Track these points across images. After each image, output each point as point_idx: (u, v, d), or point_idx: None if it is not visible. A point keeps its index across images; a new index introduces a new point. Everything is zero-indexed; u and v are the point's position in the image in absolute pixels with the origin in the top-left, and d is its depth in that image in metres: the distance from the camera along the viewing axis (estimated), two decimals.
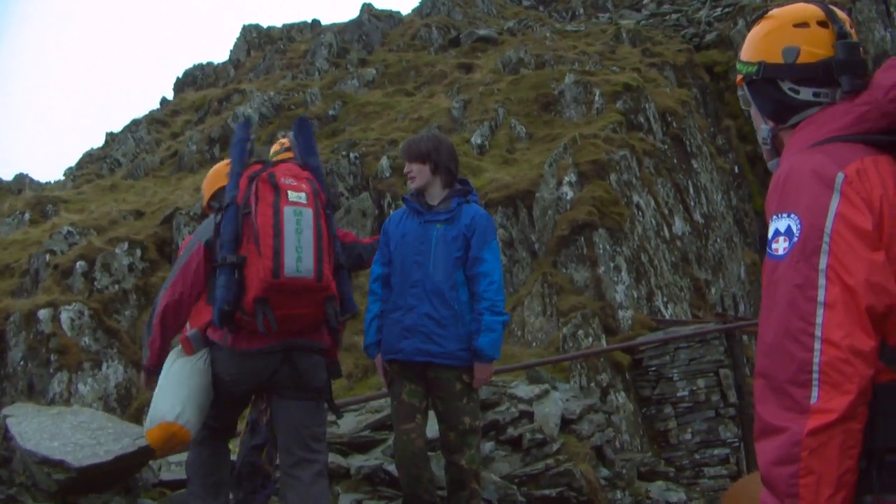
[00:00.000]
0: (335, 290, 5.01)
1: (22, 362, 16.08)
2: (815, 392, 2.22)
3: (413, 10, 42.58)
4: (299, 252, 4.68)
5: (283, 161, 5.24)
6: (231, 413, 5.35)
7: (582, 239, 16.89)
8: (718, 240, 23.67)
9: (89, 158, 35.18)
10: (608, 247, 16.86)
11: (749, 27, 2.94)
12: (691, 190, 23.54)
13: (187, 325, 5.25)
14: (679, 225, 21.72)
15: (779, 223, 2.42)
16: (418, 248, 5.93)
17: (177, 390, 4.82)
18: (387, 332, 5.93)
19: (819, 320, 2.25)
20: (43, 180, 35.30)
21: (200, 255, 5.01)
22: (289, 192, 4.81)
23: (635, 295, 16.76)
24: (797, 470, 2.21)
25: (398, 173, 19.22)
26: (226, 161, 5.82)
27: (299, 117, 5.88)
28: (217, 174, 6.03)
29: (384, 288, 6.04)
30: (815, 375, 2.22)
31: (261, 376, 5.00)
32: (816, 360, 2.22)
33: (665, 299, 17.84)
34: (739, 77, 2.91)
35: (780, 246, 2.39)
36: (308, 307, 4.89)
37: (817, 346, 2.23)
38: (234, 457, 5.91)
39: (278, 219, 4.70)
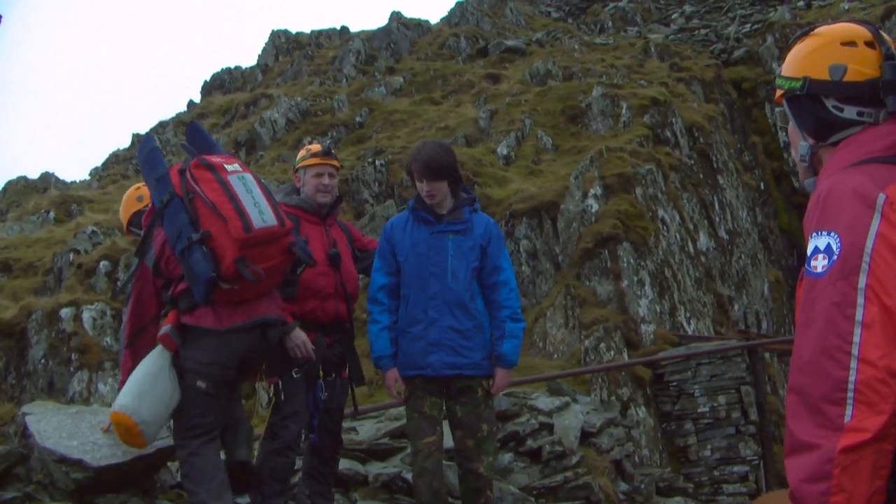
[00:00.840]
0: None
1: (43, 360, 16.13)
2: (849, 410, 2.19)
3: (442, 19, 42.66)
4: (258, 206, 5.08)
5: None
6: (217, 405, 5.38)
7: (606, 252, 16.88)
8: (743, 256, 23.59)
9: (115, 159, 35.33)
10: (632, 260, 16.84)
11: (791, 44, 2.90)
12: (717, 206, 23.49)
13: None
14: (704, 240, 21.67)
15: (818, 241, 2.40)
16: (434, 260, 5.88)
17: (139, 391, 5.08)
18: (407, 347, 5.85)
19: (856, 339, 2.22)
20: (69, 179, 35.49)
21: (147, 279, 5.36)
22: (224, 165, 5.22)
23: (658, 309, 16.72)
24: (828, 487, 2.18)
25: None
26: (135, 186, 6.41)
27: (190, 123, 6.27)
28: (129, 200, 6.47)
29: (390, 298, 5.96)
30: (850, 394, 2.19)
31: (242, 355, 5.31)
32: (852, 378, 2.20)
33: (688, 315, 17.79)
34: (780, 93, 2.87)
35: (819, 263, 2.37)
36: (277, 256, 5.24)
37: (854, 364, 2.21)
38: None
39: (227, 187, 5.08)
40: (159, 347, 5.25)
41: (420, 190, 5.97)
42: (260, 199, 5.14)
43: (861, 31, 2.70)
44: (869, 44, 2.67)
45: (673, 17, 45.55)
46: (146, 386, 5.08)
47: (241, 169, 5.28)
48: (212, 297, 5.01)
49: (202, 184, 5.10)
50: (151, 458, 5.70)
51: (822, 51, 2.73)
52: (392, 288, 5.96)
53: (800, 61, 2.79)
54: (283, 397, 5.91)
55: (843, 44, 2.69)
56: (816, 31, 2.82)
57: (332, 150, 6.64)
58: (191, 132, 5.83)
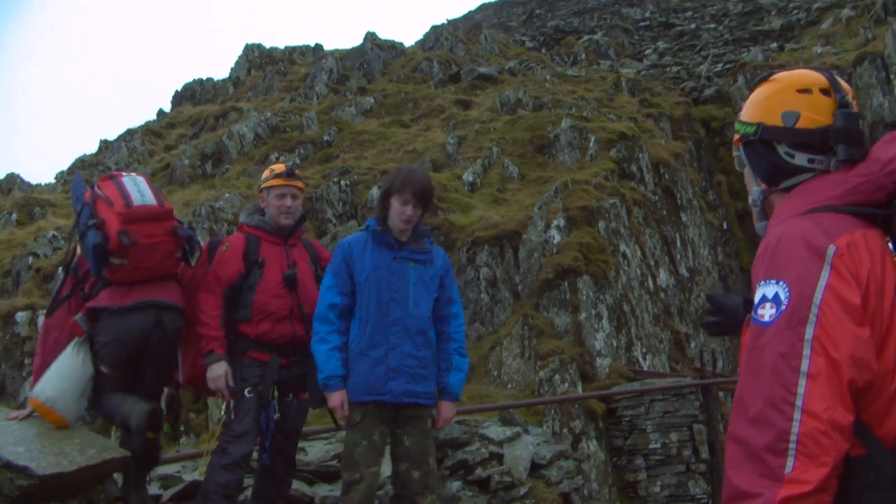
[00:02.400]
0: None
1: None
2: (790, 462, 2.19)
3: (416, 43, 42.87)
4: (140, 190, 5.88)
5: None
6: (124, 387, 5.99)
7: (566, 284, 16.90)
8: (702, 294, 23.70)
9: (81, 164, 35.06)
10: (591, 293, 16.87)
11: (752, 89, 2.92)
12: (678, 243, 23.62)
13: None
14: (664, 277, 21.77)
15: (766, 289, 2.40)
16: (395, 285, 5.80)
17: (57, 380, 5.75)
18: (366, 371, 5.71)
19: (801, 390, 2.22)
20: (34, 182, 35.22)
21: (68, 287, 6.16)
22: (122, 174, 6.08)
23: (615, 344, 16.75)
24: None
25: None
26: None
27: (77, 175, 6.98)
28: None
29: (340, 319, 5.84)
30: (793, 445, 2.20)
31: (136, 334, 5.89)
32: (795, 430, 2.20)
33: (644, 350, 17.84)
34: (737, 137, 2.90)
35: (766, 312, 2.37)
36: (160, 235, 5.88)
37: (797, 416, 2.21)
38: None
39: (119, 182, 5.92)
40: (75, 339, 5.91)
41: (399, 213, 5.85)
42: (144, 188, 5.92)
43: (817, 79, 2.72)
44: (824, 91, 2.68)
45: (646, 52, 45.97)
46: (57, 370, 5.78)
47: (135, 174, 6.14)
48: (103, 267, 5.74)
49: (104, 189, 5.90)
50: (97, 468, 5.63)
51: (778, 97, 2.75)
52: (344, 308, 5.83)
53: (756, 106, 2.82)
54: (233, 416, 6.05)
55: (799, 90, 2.72)
56: (774, 76, 2.85)
57: (297, 171, 6.66)
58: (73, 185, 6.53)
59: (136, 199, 5.77)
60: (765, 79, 2.87)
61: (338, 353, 5.75)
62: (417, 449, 5.76)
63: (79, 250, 6.09)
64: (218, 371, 6.05)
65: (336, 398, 5.72)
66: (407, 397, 5.69)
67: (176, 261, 6.08)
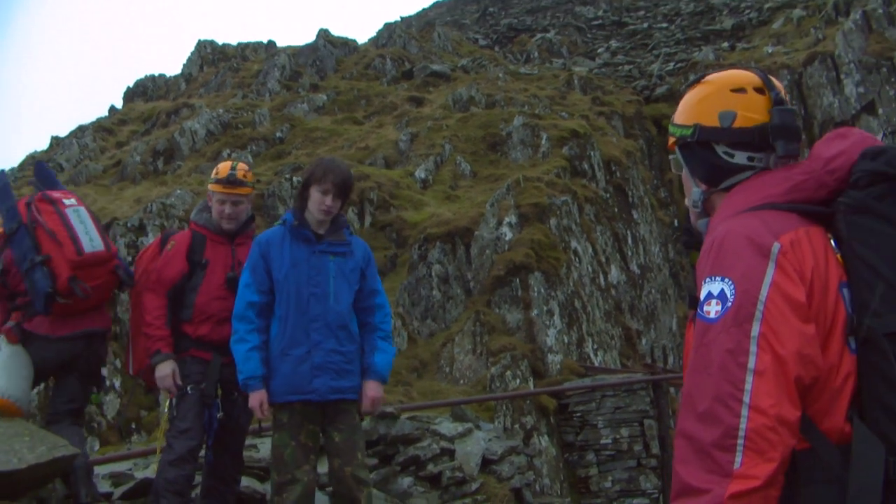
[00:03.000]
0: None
1: None
2: (738, 457, 2.20)
3: (369, 40, 42.80)
4: (89, 234, 6.07)
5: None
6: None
7: (517, 280, 16.96)
8: (653, 291, 23.86)
9: (32, 161, 34.64)
10: (543, 290, 16.93)
11: (684, 92, 2.93)
12: (630, 240, 23.74)
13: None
14: (615, 274, 21.87)
15: (712, 286, 2.41)
16: (315, 280, 5.73)
17: (4, 371, 5.94)
18: (290, 370, 5.63)
19: (748, 387, 2.23)
20: None
21: None
22: (63, 200, 6.19)
23: (566, 340, 16.82)
24: None
25: None
26: None
27: (37, 163, 7.22)
28: None
29: (259, 317, 5.73)
30: (741, 441, 2.20)
31: (65, 358, 6.22)
32: (743, 426, 2.21)
33: (595, 346, 17.93)
34: (672, 140, 2.89)
35: (712, 309, 2.38)
36: (103, 276, 6.18)
37: (745, 412, 2.21)
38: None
39: (64, 218, 6.04)
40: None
41: (319, 202, 5.78)
42: (91, 229, 6.12)
43: (750, 78, 2.73)
44: (758, 90, 2.69)
45: (599, 51, 46.15)
46: (4, 363, 5.94)
47: (76, 203, 6.25)
48: (50, 309, 5.92)
49: (44, 215, 6.04)
50: (48, 466, 5.60)
51: (712, 98, 2.75)
52: (262, 306, 5.74)
53: (690, 108, 2.81)
54: (175, 413, 6.13)
55: (733, 90, 2.71)
56: (707, 78, 2.84)
57: (244, 173, 6.52)
58: (37, 170, 6.85)
59: (86, 245, 6.00)
60: (697, 81, 2.88)
61: (257, 352, 5.65)
62: (347, 445, 5.70)
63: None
64: (165, 370, 6.06)
65: (255, 398, 5.62)
66: (332, 394, 5.64)
67: (111, 291, 6.55)
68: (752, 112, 2.67)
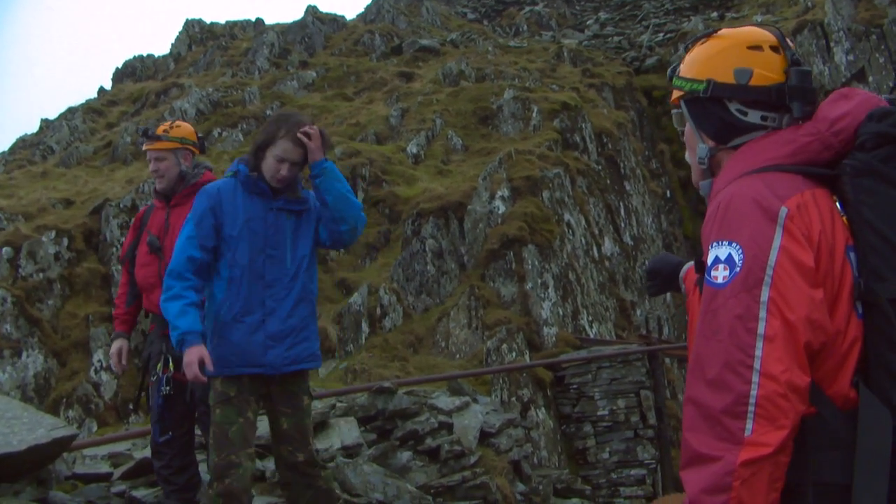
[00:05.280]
0: None
1: None
2: (749, 424, 2.19)
3: (358, 16, 42.52)
4: None
5: None
6: None
7: (511, 254, 16.96)
8: (646, 262, 23.84)
9: (22, 144, 34.49)
10: (537, 263, 16.93)
11: (692, 45, 2.84)
12: (622, 211, 23.75)
13: None
14: (608, 245, 21.89)
15: (719, 250, 2.38)
16: (273, 241, 5.23)
17: None
18: (241, 339, 5.11)
19: (758, 353, 2.22)
20: None
21: None
22: None
23: (561, 312, 16.83)
24: (727, 499, 2.18)
25: None
26: None
27: None
28: None
29: (198, 276, 5.15)
30: (752, 408, 2.19)
31: None
32: (754, 392, 2.19)
33: (590, 318, 17.95)
34: (678, 94, 2.82)
35: (720, 274, 2.35)
36: None
37: (755, 378, 2.20)
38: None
39: None
40: None
41: (274, 170, 5.25)
42: None
43: (766, 36, 2.67)
44: (774, 48, 2.64)
45: (588, 23, 45.95)
46: None
47: None
48: None
49: None
50: (47, 448, 5.60)
51: (727, 53, 2.68)
52: (203, 265, 5.17)
53: (703, 63, 2.73)
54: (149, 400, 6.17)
55: (749, 47, 2.65)
56: (720, 33, 2.77)
57: (164, 131, 6.30)
58: None
59: None
60: (709, 35, 2.79)
61: (195, 308, 5.04)
62: (298, 430, 5.28)
63: None
64: (112, 348, 5.98)
65: (194, 352, 4.89)
66: (288, 366, 5.18)
67: None
68: (768, 70, 2.62)
